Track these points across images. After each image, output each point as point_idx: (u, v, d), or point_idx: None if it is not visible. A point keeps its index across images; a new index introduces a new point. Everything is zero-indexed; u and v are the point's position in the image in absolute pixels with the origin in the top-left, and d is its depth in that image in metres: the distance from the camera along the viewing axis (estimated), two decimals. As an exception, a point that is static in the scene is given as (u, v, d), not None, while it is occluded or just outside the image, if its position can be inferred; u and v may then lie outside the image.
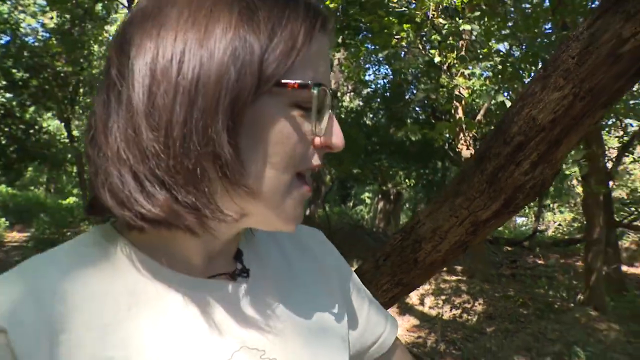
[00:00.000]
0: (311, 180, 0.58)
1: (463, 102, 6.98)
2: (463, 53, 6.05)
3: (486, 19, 5.49)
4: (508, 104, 4.42)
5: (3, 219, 12.96)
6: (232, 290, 0.60)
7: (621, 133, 9.64)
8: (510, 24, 5.72)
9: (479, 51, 6.29)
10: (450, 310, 7.28)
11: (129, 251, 0.56)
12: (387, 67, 14.54)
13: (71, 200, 20.52)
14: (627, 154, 9.58)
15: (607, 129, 8.63)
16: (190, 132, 0.46)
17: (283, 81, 0.49)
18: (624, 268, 10.31)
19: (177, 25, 0.48)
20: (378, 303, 0.82)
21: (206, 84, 0.46)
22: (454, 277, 8.69)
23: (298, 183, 0.55)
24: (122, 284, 0.54)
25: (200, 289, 0.58)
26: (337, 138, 0.56)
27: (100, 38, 15.80)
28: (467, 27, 5.28)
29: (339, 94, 15.24)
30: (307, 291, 0.69)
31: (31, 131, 14.22)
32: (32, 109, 14.62)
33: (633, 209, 12.59)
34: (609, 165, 8.84)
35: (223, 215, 0.51)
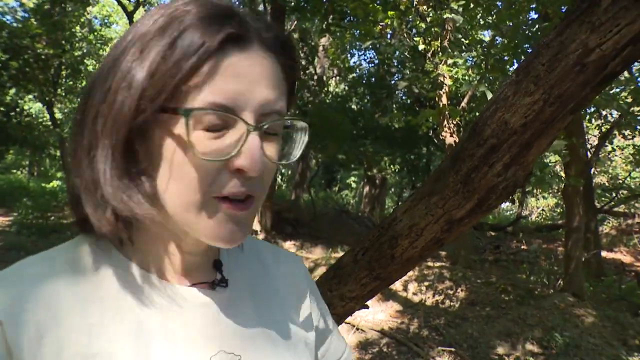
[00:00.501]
0: (249, 202, 0.57)
1: (447, 89, 7.02)
2: (447, 42, 6.07)
3: (471, 5, 5.51)
4: (489, 94, 4.45)
5: (-16, 204, 12.81)
6: (211, 298, 0.64)
7: (601, 122, 9.76)
8: (494, 11, 5.74)
9: (462, 39, 6.31)
10: (433, 296, 7.38)
11: (117, 258, 0.61)
12: (373, 52, 14.54)
13: (55, 184, 20.27)
14: (607, 143, 9.70)
15: (587, 118, 8.73)
16: (90, 145, 0.55)
17: (163, 107, 0.52)
18: (604, 253, 10.50)
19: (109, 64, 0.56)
20: (339, 331, 0.87)
21: (101, 108, 0.54)
22: (438, 264, 8.80)
23: (215, 203, 0.55)
24: (109, 289, 0.58)
25: (182, 295, 0.62)
26: (245, 161, 0.53)
27: (82, 20, 15.53)
28: (451, 16, 5.29)
29: (324, 79, 15.19)
30: (282, 306, 0.73)
31: (12, 114, 13.98)
32: (12, 91, 14.37)
33: (614, 194, 12.79)
34: (590, 154, 8.94)
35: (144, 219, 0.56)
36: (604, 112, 9.23)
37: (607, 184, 15.19)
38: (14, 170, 26.91)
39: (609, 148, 11.92)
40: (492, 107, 1.25)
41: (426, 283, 7.70)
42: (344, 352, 0.84)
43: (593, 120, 10.30)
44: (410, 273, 8.07)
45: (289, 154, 0.62)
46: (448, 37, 6.41)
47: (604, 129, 9.41)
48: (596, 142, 10.02)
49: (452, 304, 7.04)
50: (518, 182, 1.28)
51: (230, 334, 0.63)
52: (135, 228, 0.60)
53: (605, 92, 5.55)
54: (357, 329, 6.18)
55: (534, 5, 5.16)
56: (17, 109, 14.43)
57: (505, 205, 23.97)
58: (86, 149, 0.55)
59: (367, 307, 2.02)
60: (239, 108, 0.52)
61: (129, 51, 0.53)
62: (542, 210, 19.79)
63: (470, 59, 6.38)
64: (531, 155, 1.23)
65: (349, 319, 6.39)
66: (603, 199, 13.05)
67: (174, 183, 0.54)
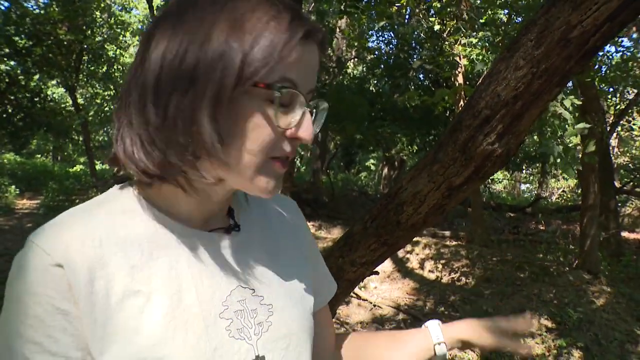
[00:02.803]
0: (288, 161, 0.70)
1: (462, 69, 7.03)
2: (462, 21, 6.07)
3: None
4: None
5: (13, 187, 13.19)
6: (228, 241, 0.76)
7: (617, 99, 9.64)
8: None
9: (475, 19, 6.31)
10: (449, 274, 7.48)
11: (148, 207, 0.71)
12: (391, 33, 14.48)
13: (78, 168, 20.78)
14: (624, 122, 9.60)
15: (610, 97, 8.64)
16: (181, 114, 0.61)
17: (257, 82, 0.61)
18: (625, 234, 10.44)
19: (186, 29, 0.62)
20: (326, 266, 1.01)
21: (197, 78, 0.60)
22: (454, 242, 8.89)
23: (271, 163, 0.68)
24: (144, 233, 0.69)
25: (204, 239, 0.73)
26: (305, 132, 0.67)
27: (102, 5, 15.71)
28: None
29: (342, 60, 15.19)
30: (284, 247, 0.86)
31: (36, 99, 14.26)
32: (36, 77, 14.65)
33: (637, 175, 12.64)
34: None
35: (204, 179, 0.66)
36: (627, 91, 9.13)
37: (630, 165, 15.02)
38: (38, 155, 27.51)
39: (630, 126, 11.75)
40: (486, 81, 1.35)
41: (442, 261, 7.81)
42: (329, 284, 0.99)
43: (615, 99, 10.17)
44: (427, 251, 8.19)
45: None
46: (463, 17, 6.41)
47: (619, 108, 9.31)
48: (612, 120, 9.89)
49: (467, 281, 7.14)
50: (511, 151, 1.39)
51: (245, 271, 0.76)
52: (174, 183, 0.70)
53: (621, 68, 5.54)
54: (375, 305, 6.34)
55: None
56: (41, 95, 14.70)
57: (525, 186, 23.83)
58: (187, 118, 0.61)
59: (377, 273, 2.15)
60: (301, 88, 0.65)
61: (225, 26, 0.61)
62: (563, 191, 19.64)
63: (488, 38, 6.38)
64: (522, 125, 1.34)
65: (366, 296, 6.55)
66: (626, 179, 12.92)
67: (248, 146, 0.64)
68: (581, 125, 3.90)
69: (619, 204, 10.82)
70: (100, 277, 0.63)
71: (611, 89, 8.56)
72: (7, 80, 13.06)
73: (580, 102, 4.15)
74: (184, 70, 0.61)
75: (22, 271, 0.63)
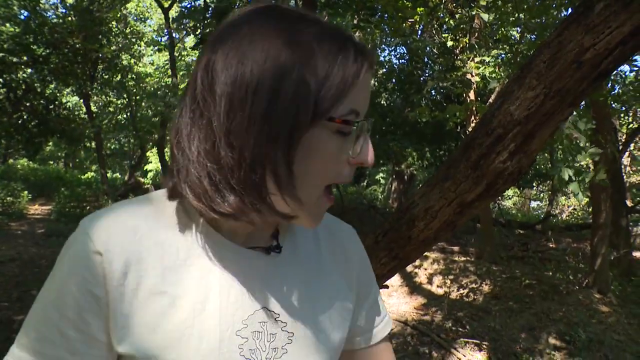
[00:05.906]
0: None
1: (474, 86, 7.06)
2: (474, 40, 6.10)
3: (499, 3, 5.55)
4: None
5: (26, 192, 13.33)
6: (264, 261, 0.75)
7: (629, 118, 9.61)
8: (524, 6, 5.76)
9: (489, 37, 6.35)
10: (458, 289, 7.45)
11: (196, 217, 0.72)
12: (403, 48, 14.57)
13: (90, 175, 20.97)
14: (636, 140, 9.55)
15: (622, 116, 8.61)
16: (258, 154, 0.60)
17: (332, 117, 0.61)
18: (636, 254, 10.31)
19: (254, 60, 0.59)
20: (381, 300, 0.95)
21: (273, 117, 0.59)
22: (463, 258, 8.85)
23: (325, 193, 0.68)
24: (182, 238, 0.70)
25: (240, 255, 0.73)
26: (370, 157, 0.68)
27: (118, 15, 15.94)
28: (485, 16, 5.33)
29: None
30: (327, 275, 0.82)
31: (51, 107, 14.42)
32: (52, 85, 14.83)
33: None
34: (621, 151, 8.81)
35: (279, 216, 0.65)
36: (631, 110, 9.11)
37: (641, 183, 14.90)
38: (51, 162, 27.78)
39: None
40: (499, 101, 1.38)
41: (451, 277, 7.78)
42: (382, 321, 0.92)
43: (628, 117, 10.13)
44: (435, 266, 8.16)
45: None
46: (476, 34, 6.45)
47: (632, 126, 9.28)
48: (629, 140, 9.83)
49: (476, 297, 7.10)
50: (522, 169, 1.41)
51: (275, 294, 0.73)
52: None
53: (636, 87, 5.53)
54: (382, 319, 6.32)
55: (566, 1, 5.17)
56: (56, 102, 14.86)
57: (535, 203, 23.69)
58: (263, 158, 0.60)
59: (386, 287, 2.16)
60: (362, 115, 0.65)
61: (296, 63, 0.59)
62: (574, 209, 19.48)
63: (502, 56, 6.41)
64: (534, 144, 1.36)
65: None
66: (638, 199, 12.81)
67: (317, 179, 0.65)
68: (593, 149, 3.90)
69: (631, 224, 10.71)
70: (134, 271, 0.66)
71: (624, 108, 8.54)
72: (23, 87, 13.23)
73: (594, 126, 4.16)
74: (257, 109, 0.59)
75: (68, 251, 0.67)
